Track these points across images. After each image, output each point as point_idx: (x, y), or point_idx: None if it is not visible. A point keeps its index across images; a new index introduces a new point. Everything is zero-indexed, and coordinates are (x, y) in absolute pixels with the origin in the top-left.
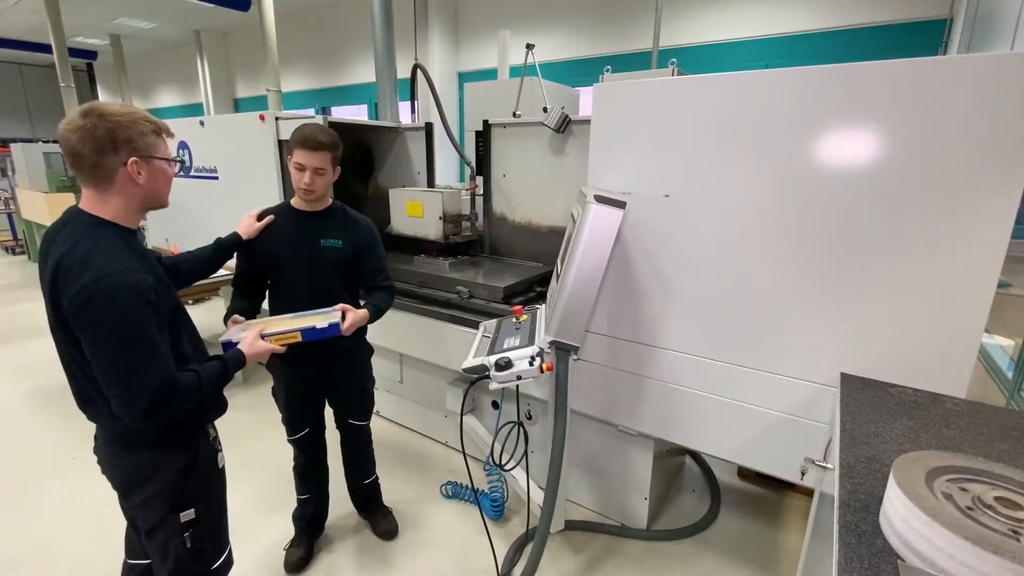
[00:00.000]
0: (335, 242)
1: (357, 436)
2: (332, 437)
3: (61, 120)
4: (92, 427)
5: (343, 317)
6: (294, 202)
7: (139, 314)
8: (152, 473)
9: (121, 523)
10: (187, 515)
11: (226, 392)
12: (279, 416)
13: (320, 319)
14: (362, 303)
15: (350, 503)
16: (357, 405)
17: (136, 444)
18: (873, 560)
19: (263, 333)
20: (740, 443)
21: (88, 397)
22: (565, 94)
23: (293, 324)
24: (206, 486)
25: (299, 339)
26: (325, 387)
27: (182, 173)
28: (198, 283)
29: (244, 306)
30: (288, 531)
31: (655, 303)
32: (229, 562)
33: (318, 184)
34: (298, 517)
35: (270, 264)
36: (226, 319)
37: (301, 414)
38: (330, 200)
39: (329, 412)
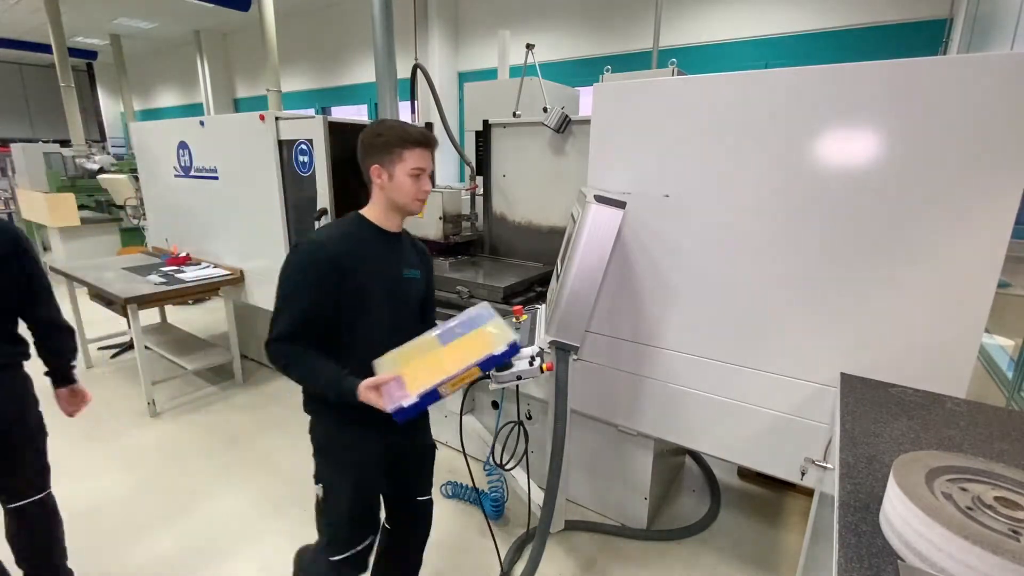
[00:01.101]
0: (415, 273)
1: (426, 514)
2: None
3: (61, 120)
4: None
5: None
6: (371, 216)
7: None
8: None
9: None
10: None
11: (226, 391)
12: (279, 416)
13: (478, 343)
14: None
15: None
16: (428, 469)
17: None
18: (873, 560)
19: (433, 390)
20: (740, 443)
21: None
22: (565, 94)
23: (446, 359)
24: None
25: (478, 374)
26: (399, 454)
27: (181, 173)
28: (198, 283)
29: (330, 365)
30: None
31: (655, 303)
32: None
33: None
34: None
35: (355, 302)
36: (338, 389)
37: (370, 511)
38: None
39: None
